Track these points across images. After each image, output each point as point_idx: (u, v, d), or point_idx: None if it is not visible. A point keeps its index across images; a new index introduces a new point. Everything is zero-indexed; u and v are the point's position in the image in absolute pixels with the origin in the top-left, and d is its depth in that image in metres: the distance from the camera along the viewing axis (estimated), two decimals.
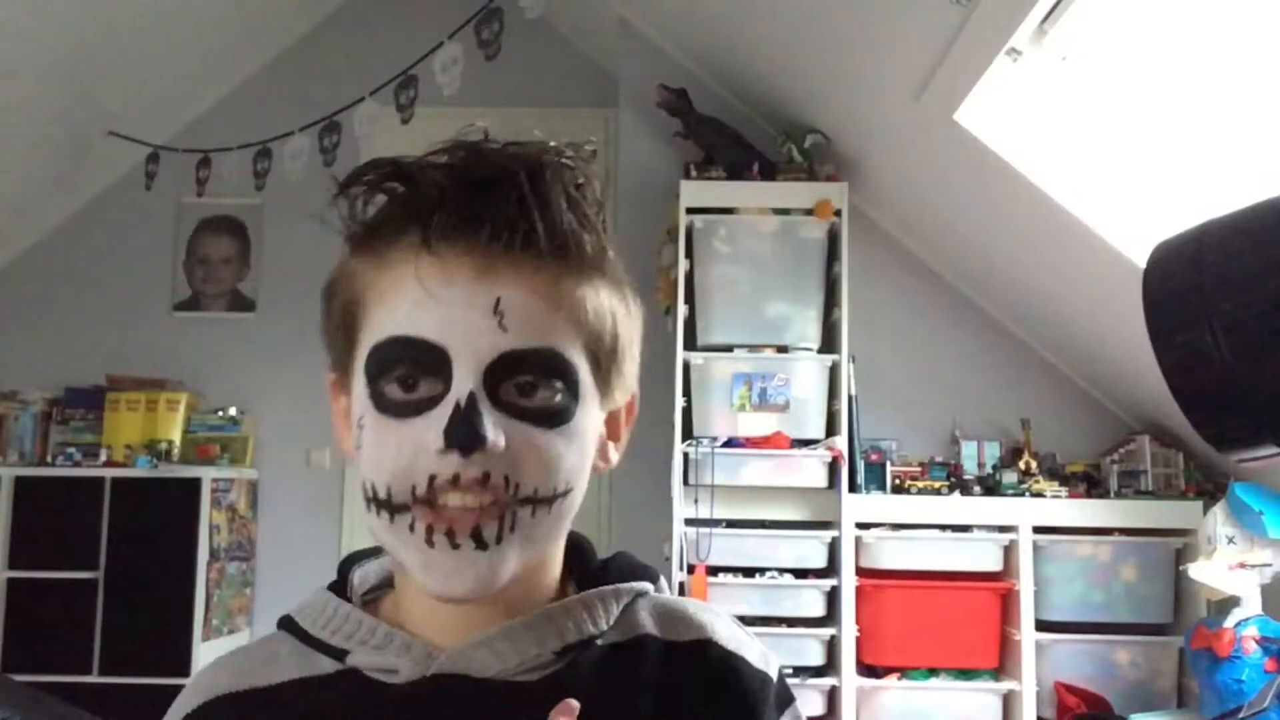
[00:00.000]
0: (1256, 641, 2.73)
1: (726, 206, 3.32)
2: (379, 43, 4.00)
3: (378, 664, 0.65)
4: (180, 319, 4.41)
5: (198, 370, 4.30)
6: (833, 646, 3.12)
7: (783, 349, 3.29)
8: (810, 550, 3.17)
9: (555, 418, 0.63)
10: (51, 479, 3.90)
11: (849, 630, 3.09)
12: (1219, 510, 2.89)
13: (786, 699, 0.71)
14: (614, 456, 0.71)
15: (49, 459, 4.02)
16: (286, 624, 0.70)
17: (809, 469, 3.20)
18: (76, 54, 3.71)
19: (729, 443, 3.19)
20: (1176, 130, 2.38)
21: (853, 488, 3.20)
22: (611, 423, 0.71)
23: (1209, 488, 3.21)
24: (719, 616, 0.72)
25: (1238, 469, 2.98)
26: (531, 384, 0.62)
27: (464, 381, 0.60)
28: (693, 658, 0.69)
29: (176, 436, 4.07)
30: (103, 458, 3.95)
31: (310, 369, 4.24)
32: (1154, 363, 0.65)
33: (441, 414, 0.60)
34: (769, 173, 3.35)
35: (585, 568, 0.72)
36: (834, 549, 3.16)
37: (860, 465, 3.27)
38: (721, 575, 3.11)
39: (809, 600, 3.12)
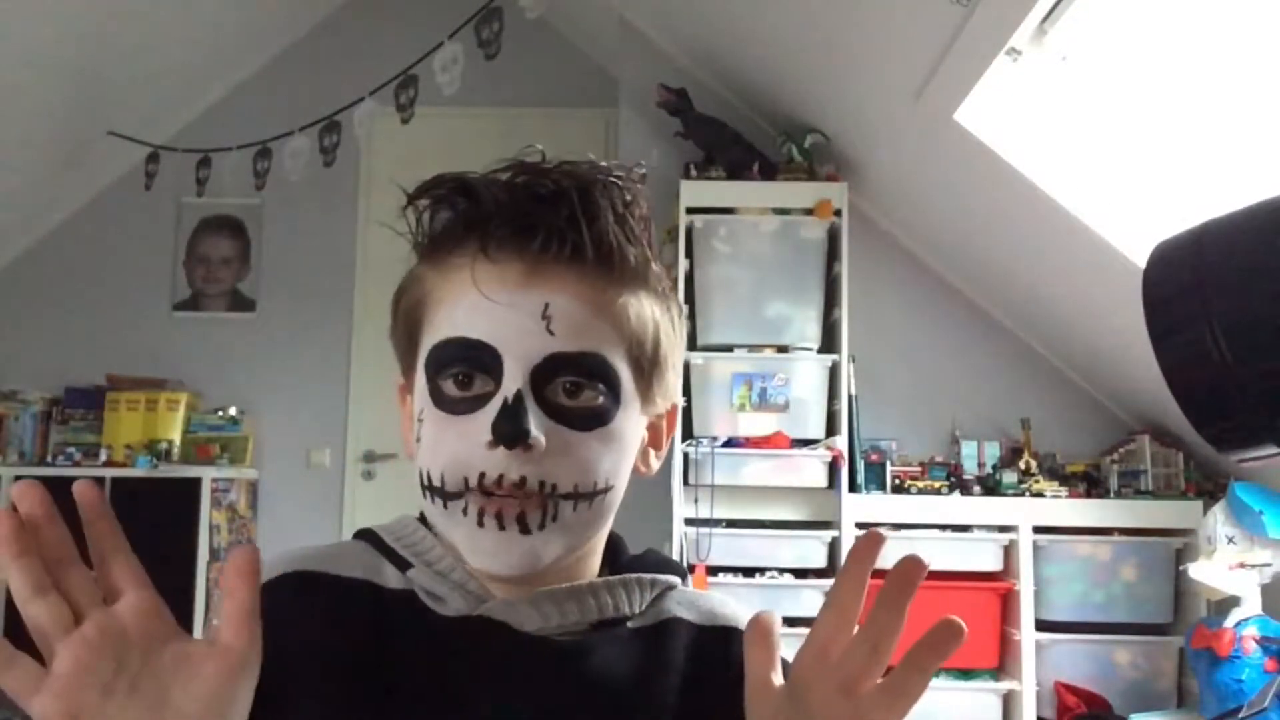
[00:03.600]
0: (1256, 641, 2.73)
1: (726, 206, 3.32)
2: (379, 43, 4.00)
3: (432, 587, 0.70)
4: (180, 319, 4.41)
5: (198, 370, 4.30)
6: None
7: (783, 349, 3.29)
8: (810, 550, 3.17)
9: (595, 419, 0.68)
10: (51, 479, 3.86)
11: None
12: (1219, 510, 2.89)
13: None
14: (655, 463, 0.76)
15: (49, 459, 4.02)
16: (364, 534, 0.76)
17: (809, 469, 3.20)
18: (76, 54, 3.71)
19: (729, 443, 3.19)
20: (1176, 130, 2.38)
21: (853, 488, 3.20)
22: (654, 430, 0.76)
23: (1209, 488, 3.21)
24: (743, 609, 0.77)
25: (1238, 469, 2.98)
26: (577, 384, 0.67)
27: (513, 380, 0.66)
28: (718, 644, 0.73)
29: (176, 436, 4.07)
30: (103, 458, 3.95)
31: (310, 369, 4.25)
32: (1154, 363, 0.65)
33: (491, 410, 0.65)
34: (769, 173, 3.35)
35: (618, 560, 0.78)
36: (834, 549, 3.16)
37: (860, 465, 3.27)
38: (721, 575, 3.11)
39: (809, 600, 3.12)
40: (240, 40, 4.35)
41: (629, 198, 0.70)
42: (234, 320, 4.41)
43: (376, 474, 4.33)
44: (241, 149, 3.97)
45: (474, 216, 0.68)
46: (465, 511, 0.66)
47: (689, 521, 3.11)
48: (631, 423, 0.71)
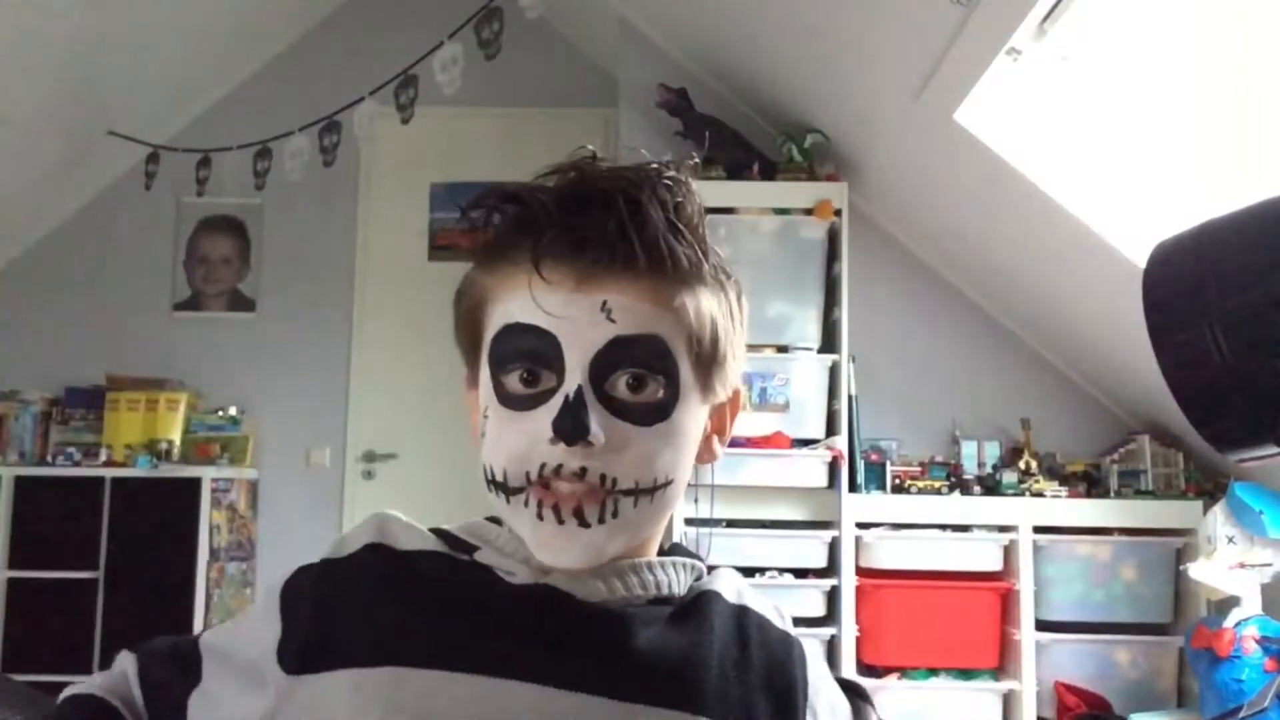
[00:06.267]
0: (1256, 641, 2.73)
1: (726, 206, 3.32)
2: (379, 43, 3.99)
3: (500, 564, 0.73)
4: (180, 319, 4.41)
5: (198, 370, 4.29)
6: (833, 646, 3.12)
7: (783, 349, 3.29)
8: (810, 550, 3.17)
9: (656, 414, 0.69)
10: (51, 479, 3.90)
11: (849, 630, 3.09)
12: (1219, 510, 2.89)
13: (802, 651, 0.78)
14: (719, 450, 0.79)
15: (49, 459, 4.02)
16: (438, 531, 0.78)
17: (809, 469, 3.20)
18: (76, 54, 3.71)
19: (729, 442, 3.18)
20: (1177, 130, 2.38)
21: (853, 487, 3.20)
22: (717, 417, 0.78)
23: (1209, 488, 3.21)
24: (749, 591, 0.81)
25: (1238, 469, 2.98)
26: (639, 378, 0.68)
27: (574, 375, 0.67)
28: (741, 621, 0.77)
29: (176, 436, 4.06)
30: (103, 457, 3.94)
31: (310, 369, 4.25)
32: (1154, 363, 0.65)
33: (553, 407, 0.67)
34: (769, 172, 3.35)
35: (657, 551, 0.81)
36: (834, 549, 3.16)
37: (860, 465, 3.27)
38: None
39: (809, 600, 3.12)
40: (240, 40, 4.35)
41: (679, 198, 0.71)
42: (234, 320, 4.41)
43: (376, 474, 4.33)
44: (241, 149, 3.97)
45: (525, 225, 0.69)
46: (526, 504, 0.69)
47: (689, 521, 3.11)
48: (692, 415, 0.72)
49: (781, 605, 0.81)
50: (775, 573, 3.14)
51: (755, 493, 3.18)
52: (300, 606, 0.74)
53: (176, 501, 3.82)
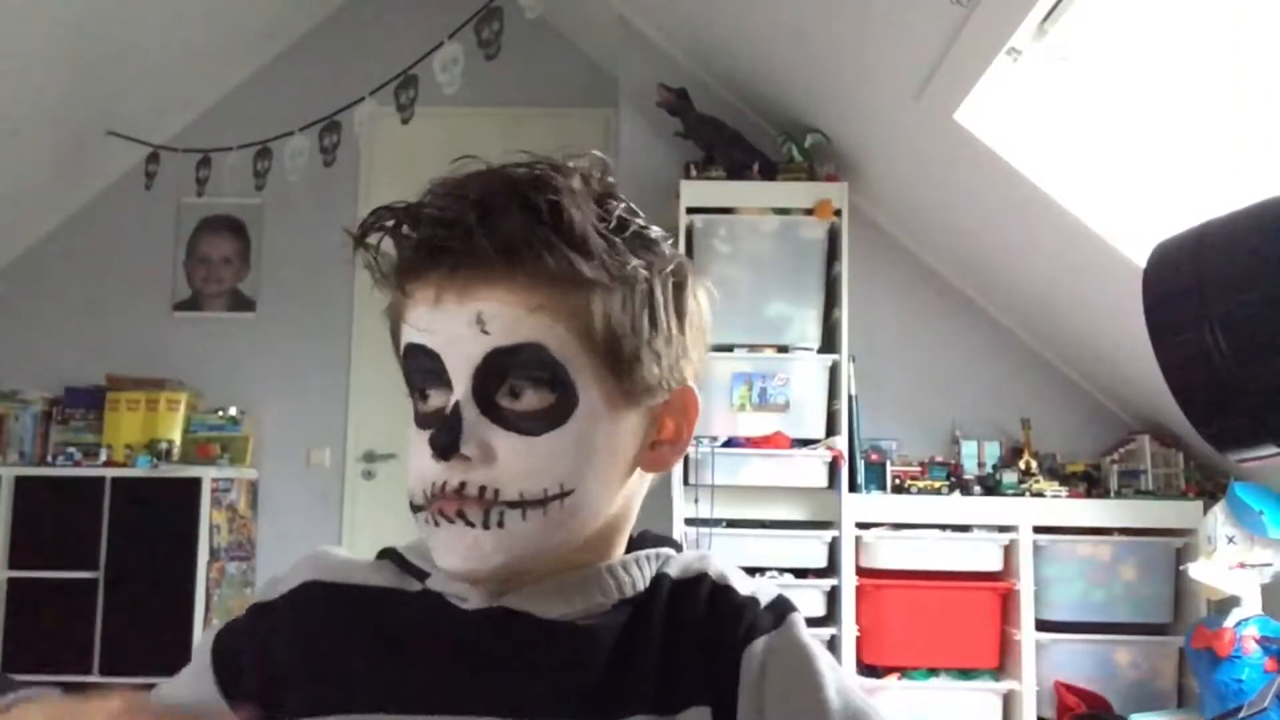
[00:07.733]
0: (1256, 641, 2.73)
1: (726, 206, 3.32)
2: (379, 43, 4.00)
3: (451, 590, 0.71)
4: (180, 319, 4.41)
5: (198, 370, 4.29)
6: (833, 646, 3.11)
7: (783, 349, 3.29)
8: (810, 550, 3.17)
9: (544, 421, 0.66)
10: (51, 479, 3.90)
11: (849, 630, 3.09)
12: (1219, 510, 2.89)
13: (783, 610, 0.74)
14: (670, 457, 0.73)
15: (49, 459, 4.02)
16: (387, 553, 0.77)
17: (809, 469, 3.20)
18: (76, 54, 3.71)
19: (729, 442, 3.19)
20: (1177, 130, 2.38)
21: (853, 487, 3.20)
22: (663, 422, 0.72)
23: (1209, 488, 3.21)
24: (716, 560, 0.77)
25: (1238, 469, 2.98)
26: (517, 387, 0.66)
27: (458, 390, 0.67)
28: (690, 589, 0.74)
29: (176, 436, 4.06)
30: (103, 458, 3.94)
31: (310, 369, 4.23)
32: (1154, 363, 0.65)
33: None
34: (769, 172, 3.35)
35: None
36: (834, 549, 3.16)
37: (860, 465, 3.27)
38: None
39: (809, 600, 3.12)
40: (240, 40, 4.35)
41: (551, 196, 0.66)
42: (234, 320, 4.41)
43: (376, 474, 4.33)
44: (241, 149, 3.97)
45: (398, 243, 0.68)
46: (428, 520, 0.68)
47: (689, 521, 3.11)
48: (601, 421, 0.68)
49: (768, 584, 0.77)
50: (775, 573, 3.14)
51: (755, 493, 3.18)
52: (239, 663, 0.73)
53: (176, 501, 3.82)
